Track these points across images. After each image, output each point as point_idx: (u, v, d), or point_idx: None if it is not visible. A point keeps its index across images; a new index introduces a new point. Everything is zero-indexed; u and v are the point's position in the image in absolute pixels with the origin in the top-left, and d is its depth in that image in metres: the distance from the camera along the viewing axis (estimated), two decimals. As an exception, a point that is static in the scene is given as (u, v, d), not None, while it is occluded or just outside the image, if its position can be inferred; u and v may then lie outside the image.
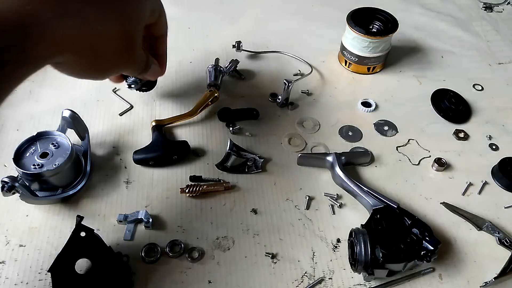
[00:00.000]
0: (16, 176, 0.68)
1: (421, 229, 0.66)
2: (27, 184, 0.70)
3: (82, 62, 0.50)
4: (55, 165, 0.70)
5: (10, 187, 0.65)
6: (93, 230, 0.64)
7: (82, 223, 0.64)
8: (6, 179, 0.66)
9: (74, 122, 0.76)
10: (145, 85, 0.86)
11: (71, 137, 0.75)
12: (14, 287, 0.63)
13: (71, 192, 0.72)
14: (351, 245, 0.65)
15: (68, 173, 0.73)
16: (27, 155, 0.72)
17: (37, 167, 0.70)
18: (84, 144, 0.79)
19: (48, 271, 0.61)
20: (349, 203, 0.75)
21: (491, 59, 1.07)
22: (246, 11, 1.18)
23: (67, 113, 0.76)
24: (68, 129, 0.78)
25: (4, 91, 0.42)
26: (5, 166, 0.77)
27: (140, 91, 0.86)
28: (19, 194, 0.67)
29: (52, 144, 0.74)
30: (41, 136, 0.75)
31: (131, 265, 0.65)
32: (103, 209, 0.73)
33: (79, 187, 0.74)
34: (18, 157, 0.71)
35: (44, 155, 0.72)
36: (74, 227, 0.64)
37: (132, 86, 0.83)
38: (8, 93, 0.42)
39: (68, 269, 0.62)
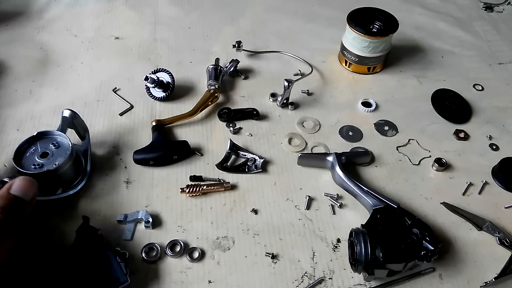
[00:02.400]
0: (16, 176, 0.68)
1: (421, 229, 0.66)
2: (27, 184, 0.70)
3: None
4: (55, 165, 0.70)
5: (10, 187, 0.65)
6: (98, 230, 0.64)
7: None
8: (6, 179, 0.65)
9: (74, 122, 0.76)
10: (161, 86, 0.89)
11: (71, 137, 0.75)
12: (14, 287, 0.63)
13: (71, 192, 0.72)
14: (351, 245, 0.65)
15: (68, 173, 0.73)
16: (27, 155, 0.72)
17: (37, 167, 0.70)
18: (84, 144, 0.79)
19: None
20: (349, 203, 0.75)
21: (491, 59, 1.07)
22: (246, 11, 1.18)
23: (67, 113, 0.76)
24: (68, 129, 0.78)
25: None
26: (5, 166, 0.77)
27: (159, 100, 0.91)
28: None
29: (52, 144, 0.74)
30: (41, 136, 0.75)
31: (131, 265, 0.65)
32: (103, 209, 0.73)
33: (79, 187, 0.74)
34: (19, 157, 0.71)
35: (44, 155, 0.72)
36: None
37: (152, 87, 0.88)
38: None
39: (70, 269, 0.62)
